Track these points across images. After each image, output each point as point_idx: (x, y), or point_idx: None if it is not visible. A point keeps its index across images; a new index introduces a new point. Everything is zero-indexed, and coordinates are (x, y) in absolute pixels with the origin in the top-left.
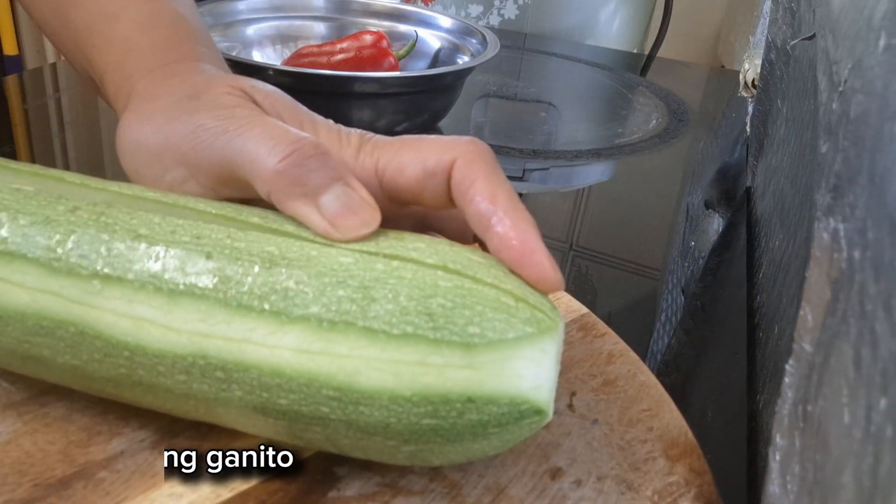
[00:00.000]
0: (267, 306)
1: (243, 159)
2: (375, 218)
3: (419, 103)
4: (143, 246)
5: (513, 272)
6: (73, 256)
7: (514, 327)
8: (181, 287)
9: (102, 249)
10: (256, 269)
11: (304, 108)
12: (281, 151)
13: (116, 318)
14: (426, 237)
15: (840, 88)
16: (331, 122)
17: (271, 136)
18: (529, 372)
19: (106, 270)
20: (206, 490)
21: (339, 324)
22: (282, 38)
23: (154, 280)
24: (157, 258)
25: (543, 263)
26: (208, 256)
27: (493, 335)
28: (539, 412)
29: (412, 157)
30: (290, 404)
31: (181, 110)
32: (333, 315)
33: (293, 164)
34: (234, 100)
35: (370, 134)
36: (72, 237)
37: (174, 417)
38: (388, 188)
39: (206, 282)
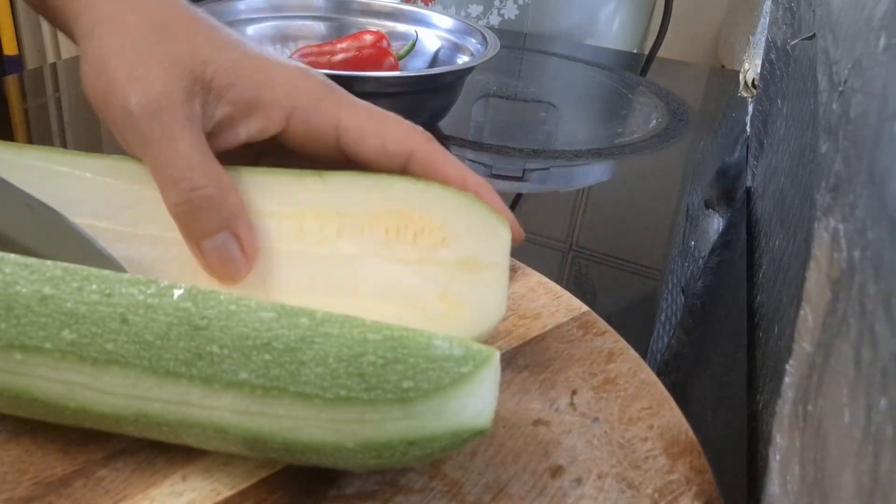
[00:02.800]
0: (195, 372)
1: (153, 158)
2: (244, 272)
3: (419, 103)
4: (52, 311)
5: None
6: None
7: (448, 373)
8: (104, 357)
9: (12, 319)
10: (176, 332)
11: (261, 73)
12: (178, 195)
13: (48, 384)
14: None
15: (840, 88)
16: (299, 65)
17: (179, 167)
18: (468, 407)
19: (22, 340)
20: (205, 489)
21: (271, 389)
22: (282, 38)
23: (74, 349)
24: (71, 327)
25: (503, 208)
26: (123, 320)
27: (428, 386)
28: (482, 432)
29: (373, 133)
30: (241, 450)
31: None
32: (264, 381)
33: (185, 212)
34: (176, 91)
35: (334, 85)
36: None
37: None
38: (343, 147)
39: (128, 349)
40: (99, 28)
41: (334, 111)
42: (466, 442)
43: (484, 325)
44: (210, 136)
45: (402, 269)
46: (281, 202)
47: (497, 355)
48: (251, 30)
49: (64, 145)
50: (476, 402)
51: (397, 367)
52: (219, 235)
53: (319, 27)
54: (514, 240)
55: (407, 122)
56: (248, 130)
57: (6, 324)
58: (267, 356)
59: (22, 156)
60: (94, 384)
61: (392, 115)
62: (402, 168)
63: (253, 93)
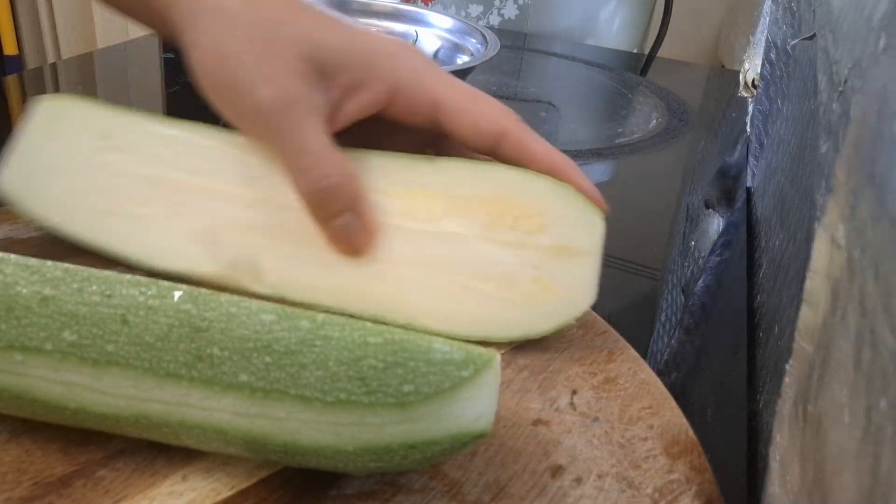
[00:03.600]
0: (196, 373)
1: (283, 150)
2: (365, 247)
3: None
4: (52, 312)
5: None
6: None
7: (449, 376)
8: (104, 358)
9: (13, 319)
10: (177, 333)
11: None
12: (308, 185)
13: (48, 385)
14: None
15: (840, 88)
16: (400, 41)
17: (308, 159)
18: (468, 411)
19: (22, 341)
20: (206, 489)
21: (272, 392)
22: None
23: (75, 350)
24: (71, 328)
25: (599, 199)
26: (123, 321)
27: (428, 389)
28: (482, 435)
29: (468, 111)
30: (241, 452)
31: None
32: (264, 384)
33: (315, 199)
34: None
35: (433, 62)
36: None
37: None
38: (439, 121)
39: (129, 350)
40: (204, 17)
41: (434, 87)
42: (466, 445)
43: (574, 310)
44: (327, 119)
45: (500, 251)
46: (394, 181)
47: (498, 358)
48: None
49: None
50: (476, 405)
51: (397, 371)
52: (344, 216)
53: None
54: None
55: (500, 104)
56: (357, 108)
57: (6, 325)
58: (267, 359)
59: (170, 127)
60: (95, 385)
61: (486, 96)
62: (494, 145)
63: (361, 73)
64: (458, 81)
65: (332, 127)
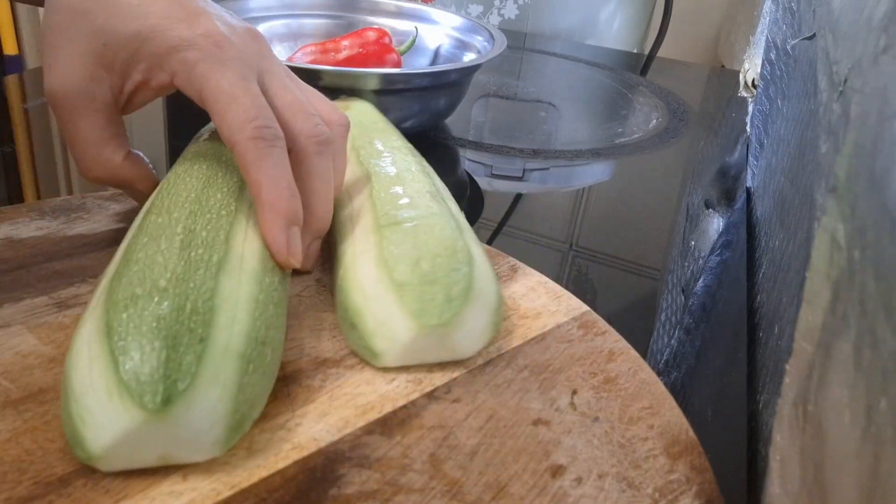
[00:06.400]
0: None
1: (65, 132)
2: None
3: (427, 100)
4: None
5: None
6: None
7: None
8: None
9: None
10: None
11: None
12: (80, 172)
13: None
14: None
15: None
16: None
17: (78, 147)
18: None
19: None
20: (205, 489)
21: None
22: (292, 37)
23: None
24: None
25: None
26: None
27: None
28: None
29: (216, 113)
30: None
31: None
32: None
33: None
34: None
35: (273, 59)
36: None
37: None
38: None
39: None
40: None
41: (199, 81)
42: None
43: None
44: (127, 102)
45: None
46: None
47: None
48: (262, 28)
49: (64, 146)
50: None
51: None
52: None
53: (328, 25)
54: (282, 266)
55: (253, 111)
56: (143, 97)
57: None
58: None
59: None
60: None
61: (250, 97)
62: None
63: (144, 64)
64: (242, 78)
65: (125, 111)
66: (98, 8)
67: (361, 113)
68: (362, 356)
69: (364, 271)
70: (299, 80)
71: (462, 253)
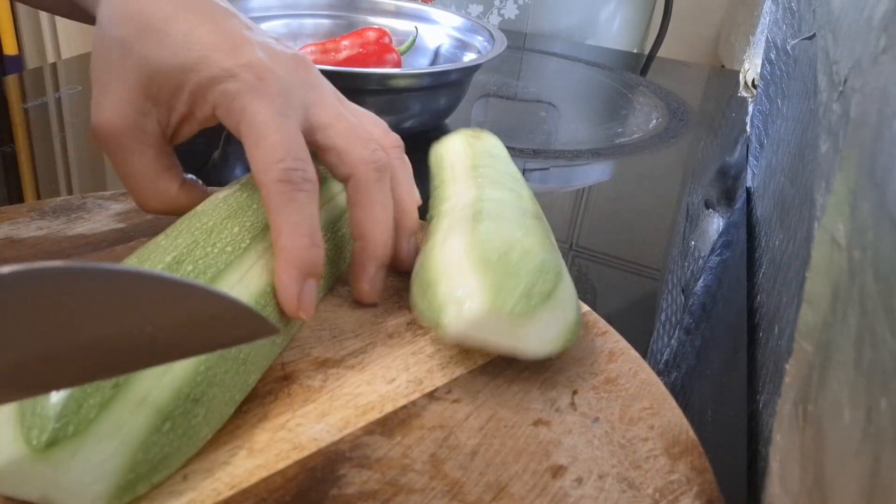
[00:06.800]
0: None
1: (116, 167)
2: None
3: (428, 100)
4: None
5: None
6: None
7: None
8: None
9: None
10: None
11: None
12: (136, 203)
13: None
14: None
15: (840, 88)
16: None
17: (131, 180)
18: None
19: None
20: (206, 489)
21: None
22: (293, 36)
23: None
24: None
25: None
26: None
27: None
28: None
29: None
30: None
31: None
32: None
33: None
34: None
35: (321, 87)
36: None
37: None
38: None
39: None
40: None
41: (239, 114)
42: None
43: None
44: (174, 134)
45: None
46: None
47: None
48: (265, 27)
49: (64, 146)
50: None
51: None
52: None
53: (328, 25)
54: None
55: (281, 151)
56: (189, 129)
57: None
58: None
59: None
60: None
61: (281, 135)
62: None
63: (190, 97)
64: (280, 113)
65: (172, 142)
66: (148, 39)
67: (492, 146)
68: (427, 324)
69: (451, 246)
70: (350, 104)
71: (552, 264)
